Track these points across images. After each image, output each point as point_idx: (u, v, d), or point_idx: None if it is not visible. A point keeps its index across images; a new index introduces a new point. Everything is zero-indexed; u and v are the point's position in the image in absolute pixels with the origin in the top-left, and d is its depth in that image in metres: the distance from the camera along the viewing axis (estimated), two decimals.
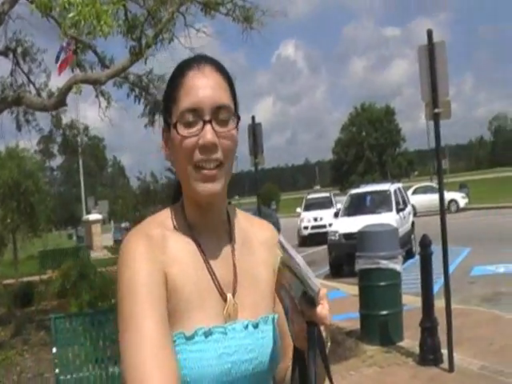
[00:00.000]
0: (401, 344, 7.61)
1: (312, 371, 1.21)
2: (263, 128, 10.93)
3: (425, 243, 6.90)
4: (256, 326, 1.33)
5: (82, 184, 39.43)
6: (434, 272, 6.93)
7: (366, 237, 8.11)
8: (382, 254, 7.70)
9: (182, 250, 1.32)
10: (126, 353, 1.17)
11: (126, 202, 14.50)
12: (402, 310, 7.93)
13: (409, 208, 18.08)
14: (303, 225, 25.78)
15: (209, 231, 1.37)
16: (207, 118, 1.28)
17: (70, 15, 7.22)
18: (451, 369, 6.45)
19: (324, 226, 23.54)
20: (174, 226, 1.35)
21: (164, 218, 1.37)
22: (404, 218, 16.57)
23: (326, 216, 24.56)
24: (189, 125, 1.29)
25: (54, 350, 5.60)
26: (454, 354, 6.51)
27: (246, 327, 1.31)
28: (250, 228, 1.46)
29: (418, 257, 7.72)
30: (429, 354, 6.76)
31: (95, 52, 12.31)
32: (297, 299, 1.22)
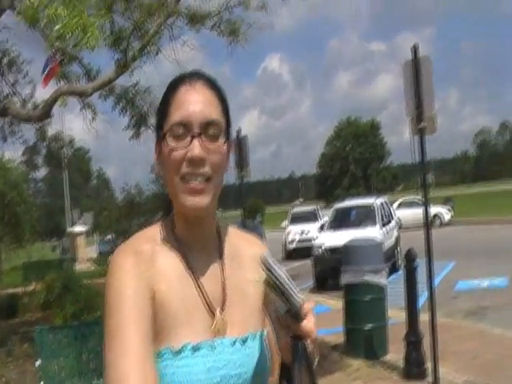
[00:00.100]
0: (386, 358, 7.62)
1: None
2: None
3: (410, 257, 6.93)
4: (244, 342, 1.33)
5: (68, 196, 39.19)
6: (418, 286, 6.97)
7: (352, 251, 8.15)
8: (367, 267, 7.73)
9: (170, 265, 1.32)
10: (110, 365, 1.18)
11: (110, 215, 14.42)
12: (387, 323, 7.95)
13: (393, 222, 18.16)
14: (289, 238, 25.58)
15: (198, 246, 1.37)
16: (196, 132, 1.29)
17: (57, 27, 7.22)
18: (436, 383, 6.48)
19: (310, 240, 23.34)
20: (164, 241, 1.35)
21: (154, 232, 1.37)
22: (388, 232, 16.65)
23: (312, 229, 24.38)
24: (178, 138, 1.30)
25: (39, 362, 5.57)
26: (439, 368, 6.52)
27: (234, 343, 1.31)
28: (240, 243, 1.46)
29: (402, 271, 7.74)
30: (413, 368, 6.78)
31: (81, 64, 12.28)
32: (281, 315, 1.23)
